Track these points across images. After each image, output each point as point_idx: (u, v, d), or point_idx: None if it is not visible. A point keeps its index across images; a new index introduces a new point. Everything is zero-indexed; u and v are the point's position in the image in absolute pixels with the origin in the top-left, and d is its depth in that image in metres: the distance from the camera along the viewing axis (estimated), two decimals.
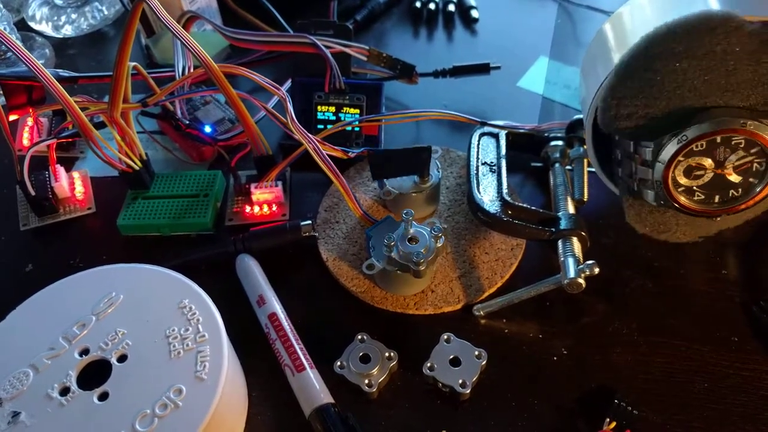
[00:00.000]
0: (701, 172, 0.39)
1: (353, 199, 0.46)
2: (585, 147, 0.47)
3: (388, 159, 0.46)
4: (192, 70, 0.54)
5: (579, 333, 0.42)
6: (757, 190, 0.39)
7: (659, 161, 0.39)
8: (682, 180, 0.40)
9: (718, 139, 0.38)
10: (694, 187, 0.40)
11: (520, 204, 0.45)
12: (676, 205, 0.40)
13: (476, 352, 0.40)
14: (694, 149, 0.38)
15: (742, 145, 0.38)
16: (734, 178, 0.39)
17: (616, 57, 0.40)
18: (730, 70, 0.37)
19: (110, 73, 0.45)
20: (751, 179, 0.39)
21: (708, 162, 0.39)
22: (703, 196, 0.40)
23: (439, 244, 0.41)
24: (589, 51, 0.46)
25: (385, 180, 0.48)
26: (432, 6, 0.70)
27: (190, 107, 0.56)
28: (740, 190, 0.40)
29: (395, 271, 0.42)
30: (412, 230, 0.42)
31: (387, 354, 0.40)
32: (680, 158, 0.38)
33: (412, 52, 0.66)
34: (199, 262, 0.47)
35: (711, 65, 0.37)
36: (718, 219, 0.42)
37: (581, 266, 0.40)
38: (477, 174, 0.47)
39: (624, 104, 0.39)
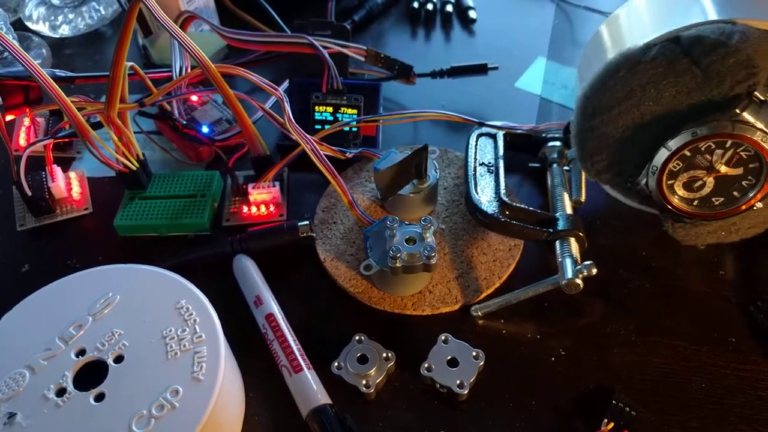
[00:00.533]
0: (700, 183, 0.40)
1: (351, 200, 0.46)
2: None
3: (393, 173, 0.45)
4: (189, 71, 0.54)
5: (577, 334, 0.42)
6: (751, 194, 0.40)
7: (666, 147, 0.39)
8: (681, 192, 0.41)
9: (728, 143, 0.38)
10: (694, 199, 0.41)
11: (517, 204, 0.45)
12: (664, 202, 0.40)
13: (474, 353, 0.40)
14: (673, 169, 0.39)
15: (745, 157, 0.39)
16: (728, 181, 0.40)
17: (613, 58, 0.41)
18: (656, 99, 0.38)
19: (107, 73, 0.45)
20: (735, 193, 0.40)
21: (701, 172, 0.39)
22: (689, 197, 0.41)
23: (428, 235, 0.41)
24: (586, 52, 0.46)
25: None
26: (430, 6, 0.70)
27: (188, 107, 0.56)
28: (736, 193, 0.40)
29: (398, 270, 0.41)
30: (405, 231, 0.42)
31: (384, 354, 0.40)
32: (669, 182, 0.40)
33: (410, 53, 0.66)
34: (197, 263, 0.47)
35: (639, 102, 0.39)
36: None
37: (579, 267, 0.40)
38: (475, 174, 0.47)
39: (589, 150, 0.42)
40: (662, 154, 0.39)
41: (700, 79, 0.37)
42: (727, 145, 0.38)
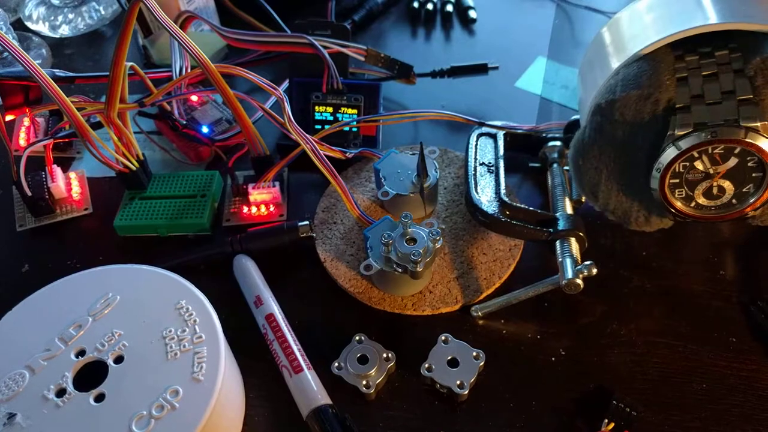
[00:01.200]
0: (698, 176, 0.40)
1: (351, 200, 0.46)
2: None
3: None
4: (189, 71, 0.54)
5: (577, 334, 0.42)
6: (751, 201, 0.40)
7: (656, 168, 0.39)
8: (678, 204, 0.41)
9: (720, 149, 0.38)
10: (693, 195, 0.40)
11: (518, 204, 0.45)
12: (672, 210, 0.40)
13: (474, 353, 0.40)
14: (695, 155, 0.38)
15: (737, 152, 0.38)
16: (728, 186, 0.40)
17: (614, 62, 0.41)
18: (618, 156, 0.41)
19: (107, 74, 0.44)
20: (745, 189, 0.40)
21: (703, 169, 0.39)
22: (699, 202, 0.40)
23: (437, 246, 0.41)
24: (588, 56, 0.46)
25: (383, 180, 0.47)
26: (430, 6, 0.70)
27: (188, 107, 0.56)
28: (734, 199, 0.40)
29: (393, 271, 0.41)
30: (410, 231, 0.42)
31: (385, 355, 0.40)
32: (666, 191, 0.40)
33: (410, 53, 0.66)
34: (197, 263, 0.47)
35: (611, 163, 0.41)
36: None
37: (579, 267, 0.39)
38: (475, 174, 0.47)
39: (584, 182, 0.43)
40: (670, 153, 0.38)
41: (628, 128, 0.40)
42: (736, 152, 0.38)
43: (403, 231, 0.42)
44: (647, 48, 0.39)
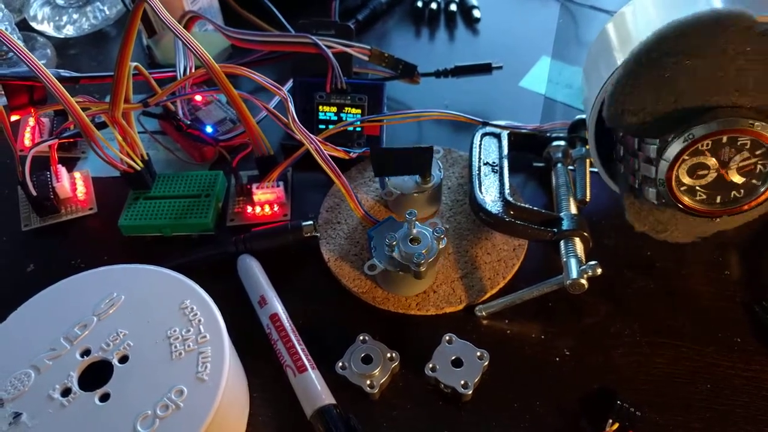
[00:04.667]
0: (705, 172, 0.39)
1: (355, 200, 0.46)
2: (587, 147, 0.47)
3: (390, 156, 0.45)
4: (193, 70, 0.54)
5: (581, 334, 0.42)
6: (761, 190, 0.39)
7: (664, 159, 0.38)
8: (686, 179, 0.39)
9: (724, 139, 0.38)
10: (697, 187, 0.40)
11: (522, 204, 0.45)
12: (680, 205, 0.40)
13: (478, 353, 0.40)
14: (700, 148, 0.38)
15: (747, 146, 0.38)
16: (737, 179, 0.39)
17: (619, 57, 0.40)
18: (739, 71, 0.37)
19: (111, 74, 0.45)
20: (754, 181, 0.39)
21: (712, 161, 0.39)
22: (705, 196, 0.40)
23: (441, 246, 0.41)
24: (592, 51, 0.46)
25: (386, 180, 0.47)
26: (434, 6, 0.70)
27: (192, 107, 0.56)
28: (742, 191, 0.40)
29: (397, 271, 0.41)
30: (414, 230, 0.42)
31: (389, 355, 0.40)
32: (685, 157, 0.38)
33: (414, 52, 0.66)
34: (201, 263, 0.47)
35: (721, 65, 0.37)
36: (717, 220, 0.42)
37: (584, 267, 0.39)
38: (479, 174, 0.47)
39: (631, 100, 0.39)
40: (705, 127, 0.37)
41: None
42: (758, 153, 0.38)
43: (407, 231, 0.42)
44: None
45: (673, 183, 0.39)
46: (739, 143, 0.38)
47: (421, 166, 0.46)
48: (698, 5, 0.38)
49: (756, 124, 0.36)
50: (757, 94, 0.37)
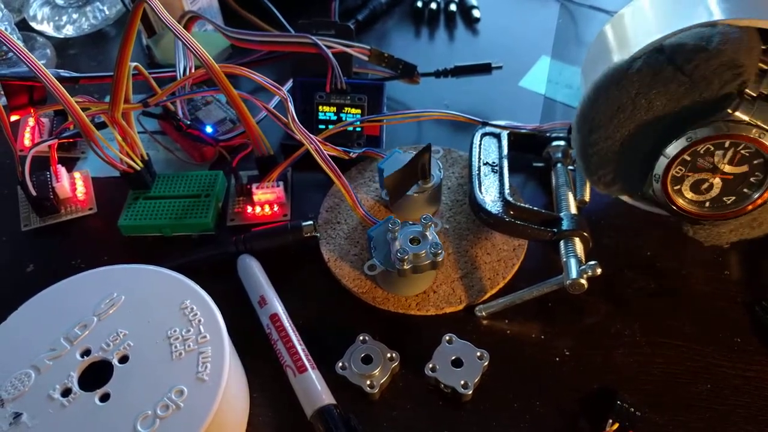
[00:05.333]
0: (703, 177, 0.40)
1: (355, 200, 0.46)
2: None
3: (399, 176, 0.45)
4: (193, 71, 0.54)
5: (581, 334, 0.42)
6: (755, 196, 0.40)
7: (664, 155, 0.39)
8: (689, 195, 0.41)
9: (726, 144, 0.38)
10: (695, 195, 0.41)
11: (522, 204, 0.45)
12: (674, 207, 0.40)
13: (478, 353, 0.40)
14: (699, 150, 0.38)
15: (747, 155, 0.38)
16: (735, 170, 0.40)
17: (617, 58, 0.40)
18: (648, 108, 0.38)
19: (111, 74, 0.45)
20: (745, 190, 0.40)
21: (709, 166, 0.39)
22: (699, 200, 0.40)
23: (438, 260, 0.41)
24: (590, 53, 0.46)
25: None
26: (433, 6, 0.70)
27: (192, 107, 0.56)
28: (732, 198, 0.40)
29: (396, 271, 0.41)
30: (407, 232, 0.42)
31: (389, 355, 0.40)
32: (686, 157, 0.39)
33: (414, 52, 0.66)
34: (201, 263, 0.47)
35: (632, 112, 0.38)
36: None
37: (583, 267, 0.39)
38: (479, 174, 0.47)
39: (602, 174, 0.42)
40: (662, 162, 0.39)
41: (687, 85, 0.37)
42: (726, 145, 0.38)
43: (402, 233, 0.42)
44: (653, 42, 0.39)
45: (669, 185, 0.40)
46: (740, 150, 0.38)
47: (423, 167, 0.46)
48: (697, 10, 0.38)
49: (753, 131, 0.37)
50: (683, 114, 0.38)
